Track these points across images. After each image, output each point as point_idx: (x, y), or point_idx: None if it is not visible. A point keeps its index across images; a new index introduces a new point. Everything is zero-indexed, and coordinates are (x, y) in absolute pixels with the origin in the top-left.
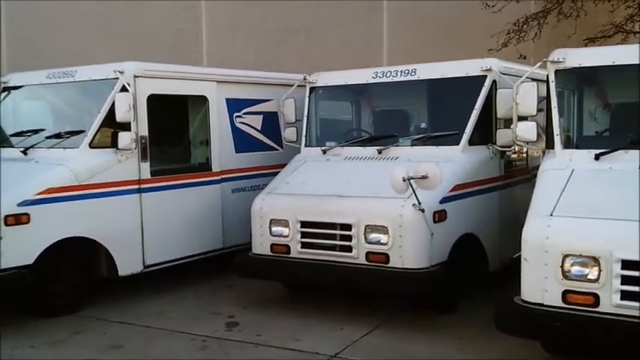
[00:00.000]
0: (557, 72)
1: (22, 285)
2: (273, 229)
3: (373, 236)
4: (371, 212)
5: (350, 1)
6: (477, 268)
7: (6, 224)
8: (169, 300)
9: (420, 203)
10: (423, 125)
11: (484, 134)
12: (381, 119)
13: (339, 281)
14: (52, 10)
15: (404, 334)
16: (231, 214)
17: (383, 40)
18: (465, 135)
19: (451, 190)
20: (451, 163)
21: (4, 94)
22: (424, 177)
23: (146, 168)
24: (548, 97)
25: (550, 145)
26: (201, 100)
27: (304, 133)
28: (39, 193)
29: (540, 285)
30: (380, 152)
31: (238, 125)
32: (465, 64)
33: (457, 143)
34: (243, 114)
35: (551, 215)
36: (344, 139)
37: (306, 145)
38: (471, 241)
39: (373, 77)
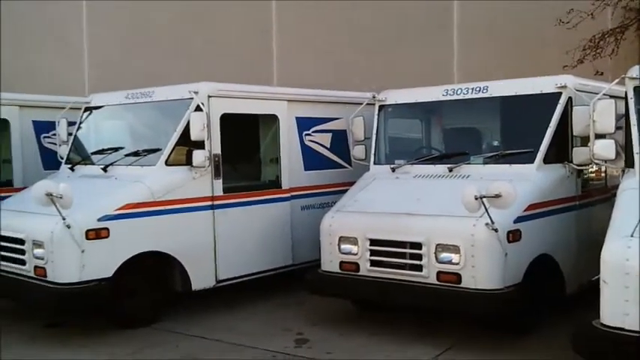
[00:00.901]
0: (635, 89)
1: (101, 297)
2: (342, 246)
3: (444, 255)
4: (442, 231)
5: (419, 19)
6: (553, 290)
7: (87, 238)
8: (240, 315)
9: (492, 222)
10: (495, 143)
11: (560, 152)
12: (451, 137)
13: (409, 300)
14: (130, 34)
15: (477, 356)
16: (301, 231)
17: (453, 58)
18: (539, 153)
19: (526, 210)
20: (525, 181)
21: (85, 114)
22: (497, 195)
23: (219, 185)
24: (627, 115)
25: (630, 163)
26: (272, 119)
27: (373, 151)
28: (118, 209)
29: (621, 309)
30: (451, 170)
31: (308, 143)
32: (539, 82)
33: (532, 161)
34: (313, 132)
35: (632, 236)
36: (413, 156)
37: (375, 163)
38: (547, 262)
39: (444, 95)
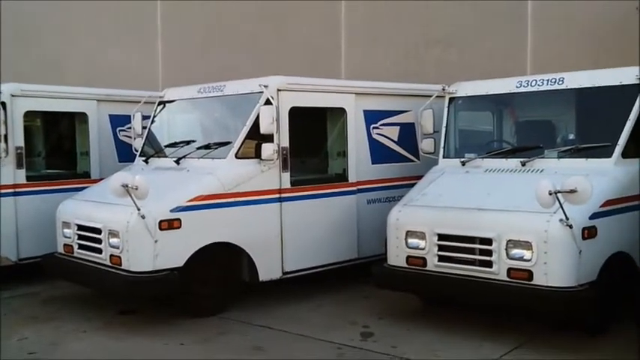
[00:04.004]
0: None
1: (172, 286)
2: (409, 241)
3: (516, 252)
4: (514, 227)
5: (490, 10)
6: (630, 290)
7: (160, 229)
8: (306, 307)
9: (567, 218)
10: (570, 137)
11: (639, 146)
12: (524, 130)
13: (478, 297)
14: (202, 29)
15: (548, 355)
16: (367, 224)
17: (527, 49)
18: (617, 147)
19: (602, 206)
20: (602, 176)
21: (159, 108)
22: (573, 191)
23: (287, 178)
24: None
25: None
26: (340, 112)
27: (442, 145)
28: (190, 200)
29: None
30: (524, 164)
31: (375, 137)
32: (618, 72)
33: (609, 155)
34: (380, 125)
35: None
36: (484, 150)
37: (444, 157)
38: (624, 260)
39: (517, 87)
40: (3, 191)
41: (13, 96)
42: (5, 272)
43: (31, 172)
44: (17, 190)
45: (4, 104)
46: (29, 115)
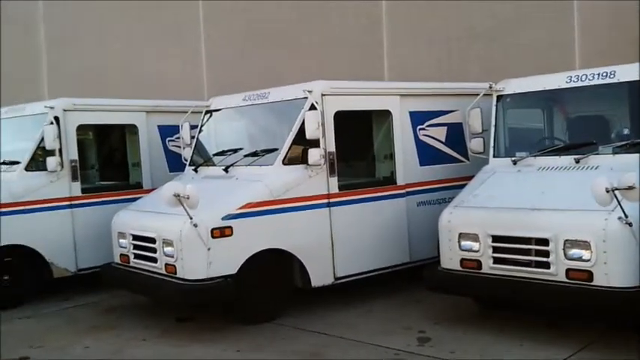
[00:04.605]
0: None
1: (226, 293)
2: (462, 243)
3: (574, 252)
4: (570, 226)
5: (536, 3)
6: None
7: (213, 237)
8: (359, 312)
9: (626, 216)
10: (625, 131)
11: None
12: (576, 126)
13: (537, 299)
14: (244, 35)
15: (614, 357)
16: (417, 227)
17: (574, 42)
18: None
19: None
20: None
21: (206, 117)
22: (631, 187)
23: (334, 183)
24: None
25: None
26: (385, 115)
27: (492, 144)
28: (240, 208)
29: None
30: (577, 161)
31: (422, 138)
32: None
33: None
34: (427, 126)
35: None
36: (536, 148)
37: (494, 156)
38: None
39: (567, 82)
40: (59, 204)
41: (65, 110)
42: (65, 283)
43: (85, 184)
44: (73, 202)
45: (57, 119)
46: (81, 129)
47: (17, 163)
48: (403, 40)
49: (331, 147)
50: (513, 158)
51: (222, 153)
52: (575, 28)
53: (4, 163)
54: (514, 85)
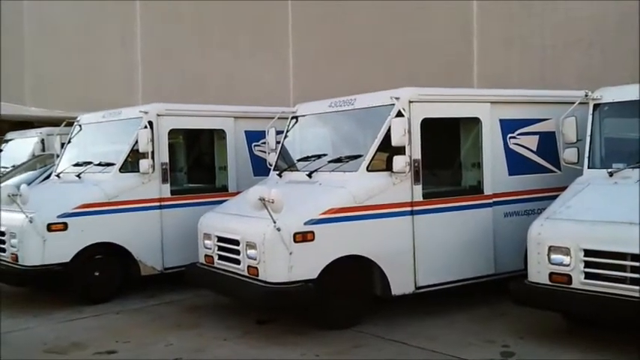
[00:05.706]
0: None
1: (307, 298)
2: (552, 256)
3: None
4: None
5: (633, 5)
6: None
7: (295, 241)
8: (440, 323)
9: None
10: None
11: None
12: None
13: (630, 317)
14: (331, 41)
15: None
16: (504, 239)
17: None
18: None
19: None
20: None
21: (292, 123)
22: None
23: (419, 191)
24: None
25: None
26: (474, 122)
27: (587, 154)
28: (323, 213)
29: None
30: None
31: (512, 147)
32: None
33: None
34: (518, 135)
35: None
36: (634, 160)
37: (589, 167)
38: None
39: None
40: (150, 205)
41: (158, 115)
42: (152, 281)
43: (174, 186)
44: (162, 203)
45: (150, 123)
46: (173, 133)
47: (112, 164)
48: (495, 46)
49: (417, 154)
50: (610, 170)
51: (306, 158)
52: None
53: (100, 164)
54: (612, 94)
